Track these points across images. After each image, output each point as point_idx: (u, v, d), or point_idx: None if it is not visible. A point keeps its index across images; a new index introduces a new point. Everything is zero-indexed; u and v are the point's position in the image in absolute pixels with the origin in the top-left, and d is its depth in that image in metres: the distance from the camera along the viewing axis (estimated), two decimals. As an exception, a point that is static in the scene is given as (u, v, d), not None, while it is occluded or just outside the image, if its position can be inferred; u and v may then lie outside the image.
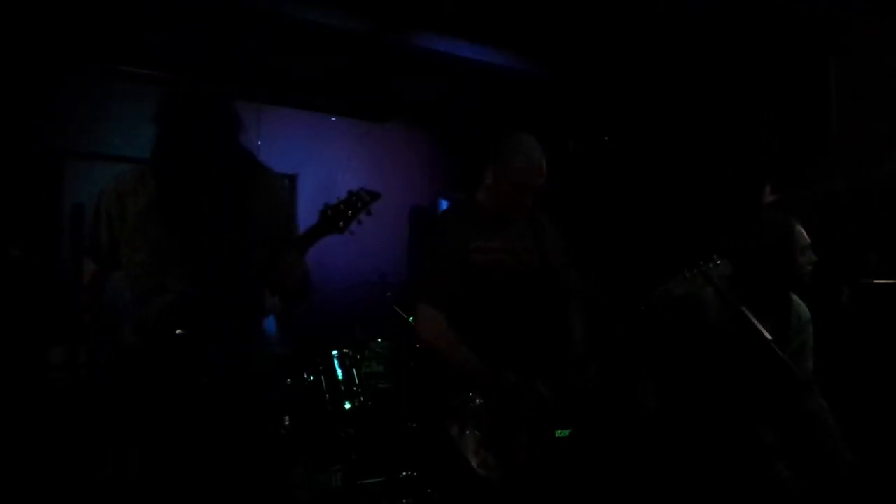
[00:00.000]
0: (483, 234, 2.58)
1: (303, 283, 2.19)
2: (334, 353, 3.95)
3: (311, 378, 3.84)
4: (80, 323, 3.16)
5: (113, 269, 2.23)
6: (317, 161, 5.22)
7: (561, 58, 4.78)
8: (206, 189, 2.10)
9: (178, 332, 2.07)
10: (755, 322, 2.38)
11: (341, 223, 2.13)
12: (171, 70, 4.34)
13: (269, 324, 3.89)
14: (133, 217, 2.13)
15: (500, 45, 4.67)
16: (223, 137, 2.12)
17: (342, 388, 3.89)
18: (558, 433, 3.46)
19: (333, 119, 5.37)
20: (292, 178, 5.10)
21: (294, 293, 2.25)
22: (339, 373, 3.93)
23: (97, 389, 2.30)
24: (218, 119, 2.12)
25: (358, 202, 2.14)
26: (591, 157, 4.77)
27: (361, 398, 3.92)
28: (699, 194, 4.30)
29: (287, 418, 3.54)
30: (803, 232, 2.60)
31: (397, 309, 4.35)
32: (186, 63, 4.24)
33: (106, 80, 4.45)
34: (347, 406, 3.86)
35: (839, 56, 3.95)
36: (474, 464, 2.43)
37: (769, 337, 2.36)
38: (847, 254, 3.66)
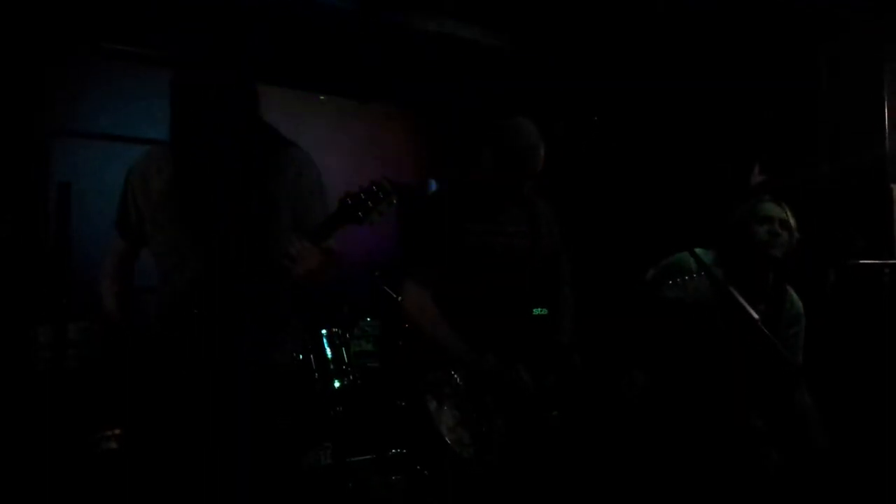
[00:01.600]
0: (477, 216, 2.58)
1: (318, 273, 2.04)
2: (323, 332, 3.95)
3: (301, 357, 3.84)
4: (67, 301, 3.15)
5: (141, 245, 2.23)
6: (303, 140, 5.17)
7: (550, 39, 4.76)
8: (224, 168, 2.05)
9: (195, 311, 2.02)
10: (743, 302, 2.40)
11: (360, 213, 2.00)
12: (159, 48, 4.30)
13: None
14: (156, 194, 2.12)
15: (489, 24, 4.64)
16: (240, 115, 2.06)
17: (331, 366, 3.90)
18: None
19: (321, 98, 5.32)
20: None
21: (309, 283, 2.11)
22: (329, 352, 3.94)
23: (118, 369, 2.27)
24: (235, 97, 2.05)
25: (380, 193, 2.01)
26: (580, 140, 4.77)
27: (350, 377, 3.93)
28: (687, 177, 4.32)
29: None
30: (773, 206, 2.63)
31: (386, 288, 4.35)
32: (174, 42, 4.19)
33: (93, 58, 4.40)
34: (336, 385, 3.87)
35: (828, 41, 3.96)
36: (449, 440, 2.45)
37: (756, 317, 2.39)
38: (833, 236, 3.70)
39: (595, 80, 4.80)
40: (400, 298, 2.61)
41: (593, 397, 3.46)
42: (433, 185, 5.52)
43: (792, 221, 2.66)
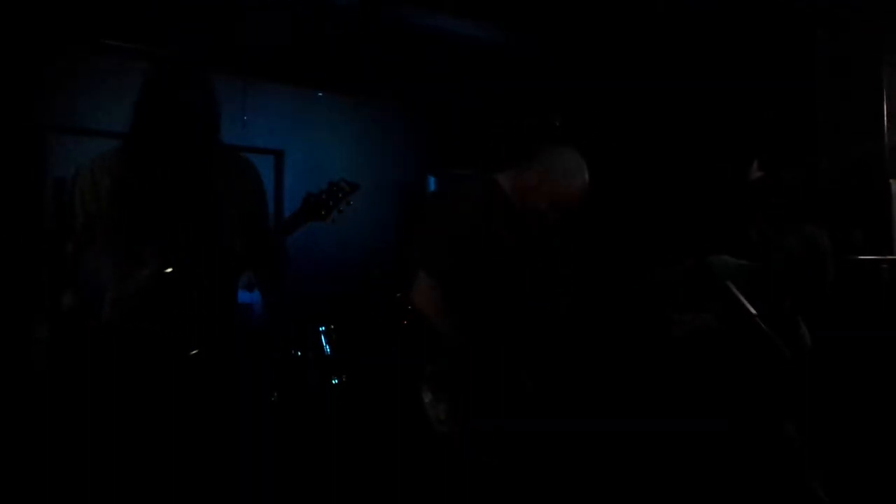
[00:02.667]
0: (501, 223, 2.54)
1: (281, 269, 2.28)
2: (321, 328, 3.95)
3: (299, 353, 3.84)
4: (57, 302, 3.15)
5: (88, 246, 2.23)
6: (303, 137, 5.17)
7: (548, 34, 4.75)
8: (172, 167, 2.12)
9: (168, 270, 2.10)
10: (740, 297, 2.41)
11: (323, 212, 2.22)
12: (156, 44, 4.28)
13: (255, 297, 3.88)
14: (106, 194, 2.13)
15: (488, 20, 4.63)
16: (194, 116, 2.13)
17: (330, 363, 3.90)
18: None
19: (320, 94, 5.31)
20: (279, 155, 5.05)
21: (272, 278, 2.35)
22: (327, 348, 3.93)
23: (76, 368, 2.30)
24: (191, 97, 2.13)
25: (339, 192, 2.24)
26: (578, 134, 4.76)
27: (348, 374, 3.93)
28: (686, 172, 4.31)
29: (275, 394, 3.54)
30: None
31: (384, 285, 4.35)
32: (171, 37, 4.18)
33: (89, 54, 4.39)
34: (335, 382, 3.87)
35: (826, 34, 3.95)
36: (439, 432, 2.48)
37: (754, 312, 2.39)
38: (832, 231, 3.69)
39: (594, 80, 4.79)
40: (413, 288, 2.52)
41: (602, 395, 3.46)
42: (432, 182, 5.51)
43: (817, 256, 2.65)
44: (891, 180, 3.70)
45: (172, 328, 2.08)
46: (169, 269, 2.08)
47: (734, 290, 2.43)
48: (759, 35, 4.09)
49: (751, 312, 2.38)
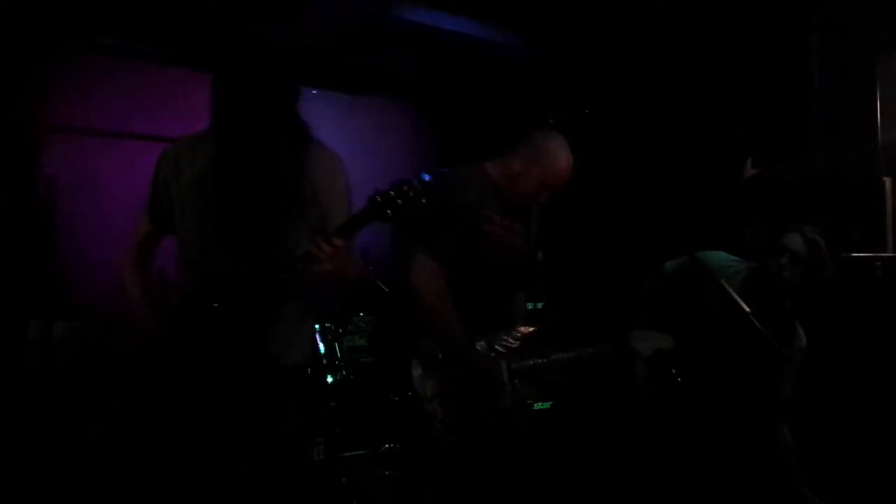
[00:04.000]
0: (493, 210, 2.59)
1: (345, 272, 2.06)
2: (316, 326, 3.93)
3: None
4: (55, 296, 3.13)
5: (168, 231, 2.20)
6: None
7: (541, 31, 4.75)
8: (263, 159, 2.07)
9: (214, 304, 2.01)
10: (734, 295, 2.40)
11: (389, 212, 1.99)
12: (150, 42, 4.26)
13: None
14: (187, 181, 2.10)
15: (481, 17, 4.63)
16: (283, 110, 2.10)
17: (324, 361, 3.88)
18: (538, 406, 3.51)
19: (314, 92, 5.30)
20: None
21: (335, 283, 2.13)
22: (322, 347, 3.92)
23: (139, 358, 2.23)
24: (280, 91, 2.10)
25: (410, 191, 2.00)
26: (572, 132, 4.75)
27: (344, 372, 3.92)
28: (680, 169, 4.31)
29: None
30: (797, 238, 2.65)
31: (379, 283, 4.34)
32: (166, 36, 4.17)
33: (83, 53, 4.37)
34: (330, 380, 3.86)
35: (820, 31, 3.95)
36: (426, 408, 2.54)
37: (748, 309, 2.39)
38: (828, 228, 3.69)
39: (588, 76, 4.79)
40: (412, 269, 2.53)
41: (597, 391, 3.47)
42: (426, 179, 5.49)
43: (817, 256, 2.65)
44: (884, 178, 3.70)
45: (217, 332, 2.01)
46: (216, 304, 2.00)
47: (727, 287, 2.43)
48: (753, 33, 4.09)
49: (744, 310, 2.38)
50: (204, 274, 2.06)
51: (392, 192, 1.99)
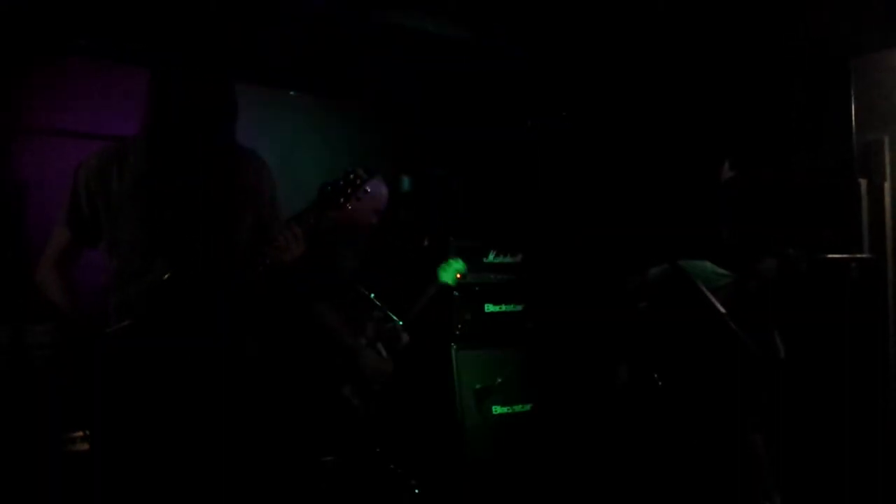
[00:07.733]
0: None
1: (299, 259, 2.17)
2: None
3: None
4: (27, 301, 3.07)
5: (90, 245, 2.19)
6: (274, 138, 5.11)
7: (520, 35, 4.75)
8: (197, 167, 2.10)
9: (165, 276, 2.02)
10: (709, 296, 2.41)
11: (341, 200, 2.14)
12: (129, 43, 4.22)
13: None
14: (116, 193, 2.09)
15: (461, 21, 4.62)
16: (217, 117, 2.14)
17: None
18: (519, 408, 3.51)
19: (292, 94, 5.26)
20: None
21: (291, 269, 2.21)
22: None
23: (77, 372, 2.20)
24: (214, 98, 2.12)
25: (356, 179, 2.16)
26: (549, 135, 4.75)
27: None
28: (657, 172, 4.32)
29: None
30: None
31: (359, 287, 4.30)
32: (143, 38, 4.12)
33: (55, 53, 4.30)
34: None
35: (796, 38, 3.98)
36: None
37: (723, 311, 2.40)
38: (803, 230, 3.72)
39: (564, 77, 4.79)
40: None
41: (577, 390, 3.47)
42: (406, 182, 5.47)
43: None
44: (860, 179, 3.73)
45: (179, 335, 2.02)
46: (166, 276, 2.02)
47: (704, 290, 2.43)
48: (731, 36, 4.11)
49: (720, 312, 2.38)
50: (150, 282, 2.05)
51: (340, 182, 2.15)
